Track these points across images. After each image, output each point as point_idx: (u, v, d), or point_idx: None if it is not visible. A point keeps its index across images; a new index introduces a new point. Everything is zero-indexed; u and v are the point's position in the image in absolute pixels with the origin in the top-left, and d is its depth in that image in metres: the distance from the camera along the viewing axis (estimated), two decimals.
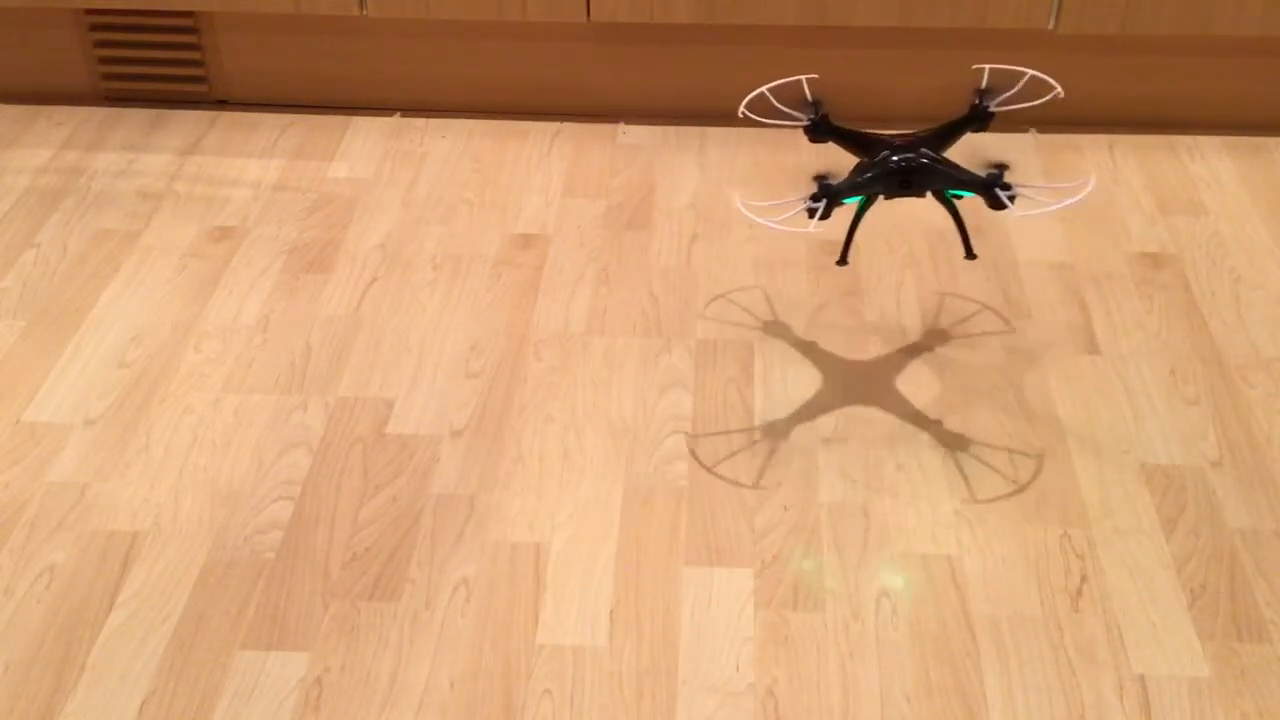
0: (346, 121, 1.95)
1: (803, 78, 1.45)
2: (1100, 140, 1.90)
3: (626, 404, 1.47)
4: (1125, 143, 1.89)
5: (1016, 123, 1.92)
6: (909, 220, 1.74)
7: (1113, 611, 1.25)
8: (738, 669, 1.20)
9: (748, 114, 1.46)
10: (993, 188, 1.36)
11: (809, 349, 1.54)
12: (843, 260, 1.42)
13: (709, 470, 1.39)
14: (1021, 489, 1.37)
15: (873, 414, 1.45)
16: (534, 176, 1.83)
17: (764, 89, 1.46)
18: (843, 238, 1.43)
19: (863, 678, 1.19)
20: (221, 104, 1.99)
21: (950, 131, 1.41)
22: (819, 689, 1.18)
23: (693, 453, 1.41)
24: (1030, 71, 1.46)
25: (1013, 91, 1.43)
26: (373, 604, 1.26)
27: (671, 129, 1.93)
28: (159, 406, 1.47)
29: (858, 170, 1.39)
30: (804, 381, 1.50)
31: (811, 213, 1.36)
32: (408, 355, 1.53)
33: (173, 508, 1.35)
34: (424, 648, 1.22)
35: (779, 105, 1.43)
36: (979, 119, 1.42)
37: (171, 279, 1.65)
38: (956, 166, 1.38)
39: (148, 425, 1.45)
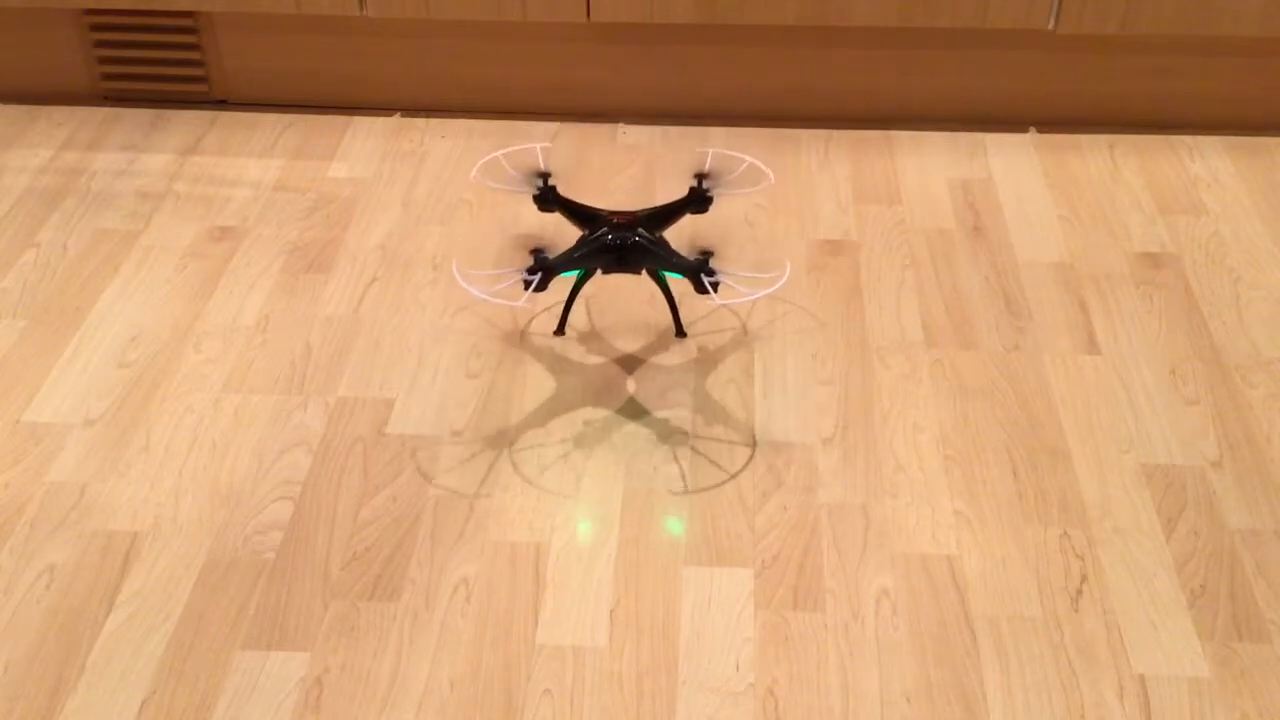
0: (346, 121, 1.95)
1: (538, 146, 1.53)
2: (1100, 140, 1.90)
3: (626, 403, 1.47)
4: (1125, 143, 1.89)
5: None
6: (908, 221, 1.74)
7: (1113, 611, 1.25)
8: (738, 669, 1.20)
9: (481, 179, 1.52)
10: (698, 273, 1.39)
11: (809, 349, 1.54)
12: (560, 331, 1.47)
13: (709, 470, 1.39)
14: (1021, 489, 1.37)
15: (872, 414, 1.45)
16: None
17: (498, 154, 1.53)
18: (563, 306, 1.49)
19: (863, 678, 1.19)
20: (221, 104, 1.99)
21: (670, 212, 1.46)
22: (819, 689, 1.18)
23: (693, 452, 1.41)
24: (749, 159, 1.55)
25: (733, 175, 1.50)
26: (373, 604, 1.26)
27: (671, 129, 1.93)
28: (159, 406, 1.47)
29: (576, 245, 1.43)
30: (804, 381, 1.50)
31: (527, 284, 1.39)
32: (408, 355, 1.53)
33: (173, 508, 1.35)
34: (424, 648, 1.22)
35: (511, 171, 1.46)
36: (698, 201, 1.46)
37: (171, 279, 1.65)
38: (669, 249, 1.43)
39: (148, 425, 1.45)
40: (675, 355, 1.53)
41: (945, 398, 1.47)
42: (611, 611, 1.25)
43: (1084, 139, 1.90)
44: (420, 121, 1.95)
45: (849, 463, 1.40)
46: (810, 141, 1.89)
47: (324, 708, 1.17)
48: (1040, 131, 1.92)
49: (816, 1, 1.79)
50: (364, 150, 1.89)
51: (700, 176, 1.47)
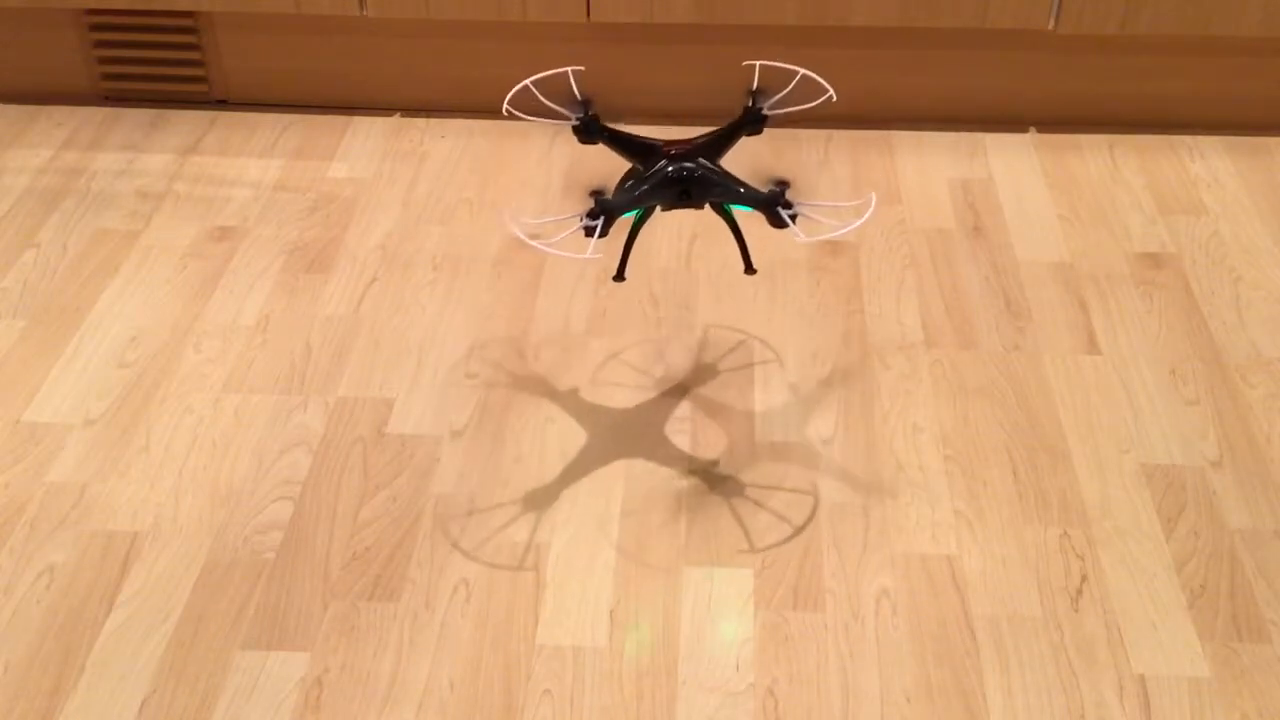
0: (346, 121, 1.95)
1: (569, 70, 1.34)
2: (1100, 140, 1.90)
3: (626, 404, 1.47)
4: (1125, 143, 1.89)
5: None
6: (908, 221, 1.74)
7: (1113, 611, 1.25)
8: (738, 669, 1.20)
9: (512, 111, 1.34)
10: (774, 205, 1.26)
11: (809, 348, 1.54)
12: (619, 276, 1.32)
13: (709, 470, 1.39)
14: (1021, 489, 1.37)
15: (872, 414, 1.45)
16: (534, 176, 1.83)
17: (528, 82, 1.33)
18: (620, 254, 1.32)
19: (863, 678, 1.19)
20: (221, 104, 1.99)
21: (725, 137, 1.33)
22: (819, 689, 1.18)
23: (693, 453, 1.41)
24: (802, 70, 1.37)
25: (786, 92, 1.34)
26: (373, 604, 1.26)
27: (671, 129, 1.93)
28: (159, 406, 1.47)
29: (633, 181, 1.30)
30: (804, 381, 1.50)
31: (589, 231, 1.25)
32: (408, 355, 1.53)
33: (173, 508, 1.35)
34: (424, 648, 1.22)
35: (546, 102, 1.31)
36: (753, 122, 1.33)
37: (171, 279, 1.65)
38: (736, 179, 1.30)
39: (148, 425, 1.45)
40: (676, 354, 1.53)
41: (945, 398, 1.47)
42: (611, 611, 1.25)
43: (1084, 139, 1.90)
44: (420, 121, 1.95)
45: (849, 463, 1.40)
46: (810, 141, 1.89)
47: (324, 708, 1.17)
48: (1040, 131, 1.92)
49: (816, 1, 1.79)
50: (364, 150, 1.89)
51: (753, 94, 1.33)
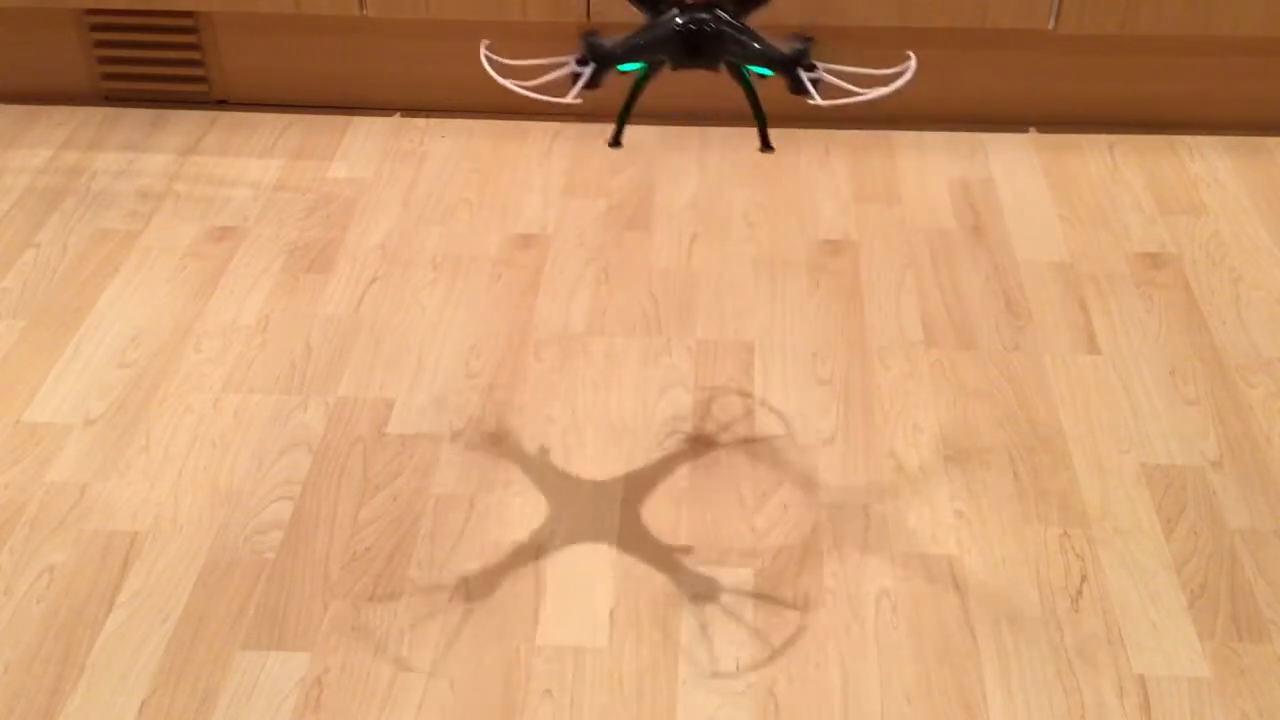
0: (346, 121, 1.95)
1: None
2: (1100, 140, 1.90)
3: (626, 404, 1.47)
4: (1125, 143, 1.89)
5: (1014, 122, 1.92)
6: (908, 221, 1.74)
7: (1113, 611, 1.25)
8: (738, 669, 1.20)
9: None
10: (794, 66, 1.10)
11: (809, 348, 1.54)
12: (615, 142, 1.17)
13: (709, 470, 1.39)
14: (1021, 489, 1.37)
15: (873, 413, 1.45)
16: (534, 176, 1.83)
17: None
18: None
19: (863, 678, 1.19)
20: (221, 104, 1.99)
21: None
22: (819, 689, 1.18)
23: (693, 452, 1.41)
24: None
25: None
26: (373, 604, 1.26)
27: (671, 129, 1.93)
28: (159, 406, 1.47)
29: (639, 30, 1.15)
30: (804, 381, 1.50)
31: (576, 78, 1.09)
32: (408, 355, 1.53)
33: (173, 508, 1.35)
34: (424, 648, 1.22)
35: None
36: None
37: (171, 279, 1.65)
38: (757, 35, 1.13)
39: (148, 425, 1.45)
40: (675, 353, 1.53)
41: (945, 398, 1.47)
42: (611, 611, 1.25)
43: (1084, 139, 1.90)
44: (420, 121, 1.95)
45: (849, 463, 1.40)
46: (810, 141, 1.89)
47: (324, 708, 1.17)
48: (1040, 131, 1.92)
49: (816, 1, 1.79)
50: (364, 150, 1.89)
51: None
